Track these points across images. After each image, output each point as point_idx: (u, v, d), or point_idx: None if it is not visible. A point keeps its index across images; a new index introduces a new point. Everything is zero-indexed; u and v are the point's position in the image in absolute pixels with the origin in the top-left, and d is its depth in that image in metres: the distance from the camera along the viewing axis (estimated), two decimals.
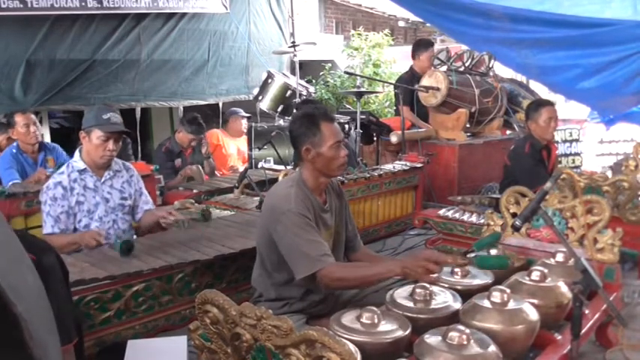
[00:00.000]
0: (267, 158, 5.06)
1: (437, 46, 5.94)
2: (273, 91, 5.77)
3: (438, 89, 4.87)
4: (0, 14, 4.67)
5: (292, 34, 7.13)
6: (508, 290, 1.76)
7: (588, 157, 5.93)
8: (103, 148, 2.65)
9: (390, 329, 1.63)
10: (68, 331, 1.60)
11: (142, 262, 2.26)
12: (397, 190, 4.10)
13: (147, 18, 5.68)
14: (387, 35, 8.57)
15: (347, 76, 7.63)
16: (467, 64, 5.13)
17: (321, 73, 7.96)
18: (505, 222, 2.62)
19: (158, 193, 4.08)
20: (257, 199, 3.45)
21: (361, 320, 1.65)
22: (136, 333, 2.23)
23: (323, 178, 2.19)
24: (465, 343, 1.49)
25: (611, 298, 2.01)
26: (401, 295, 1.89)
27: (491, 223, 2.70)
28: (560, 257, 2.24)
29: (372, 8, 10.20)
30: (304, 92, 5.88)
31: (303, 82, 6.25)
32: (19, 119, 4.03)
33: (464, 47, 5.42)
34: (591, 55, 4.26)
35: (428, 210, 3.92)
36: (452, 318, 1.76)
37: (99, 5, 5.20)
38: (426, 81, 4.96)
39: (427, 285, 1.86)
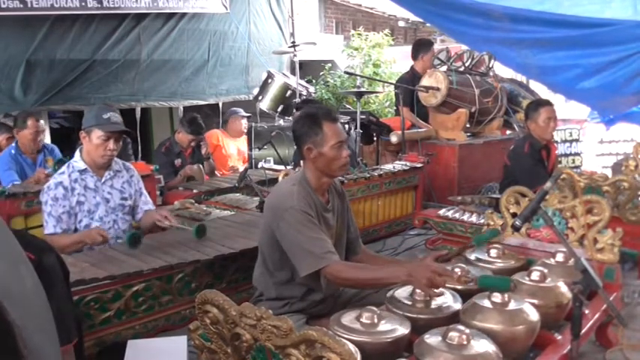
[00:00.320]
0: (267, 158, 5.06)
1: (437, 46, 5.94)
2: (273, 91, 5.78)
3: (438, 89, 4.87)
4: (0, 14, 4.67)
5: (292, 34, 7.13)
6: None
7: (588, 157, 5.93)
8: (103, 147, 2.65)
9: (389, 329, 1.63)
10: (68, 331, 1.60)
11: (142, 262, 2.26)
12: (397, 190, 4.10)
13: (147, 18, 5.68)
14: (387, 35, 8.57)
15: (347, 76, 7.63)
16: (467, 64, 5.13)
17: (321, 73, 7.96)
18: (505, 222, 2.62)
19: (158, 193, 4.08)
20: (257, 199, 3.45)
21: (361, 320, 1.65)
22: (136, 333, 2.23)
23: (325, 178, 2.19)
24: (465, 343, 1.49)
25: (611, 298, 2.01)
26: (401, 295, 1.89)
27: (491, 223, 2.70)
28: (560, 257, 2.24)
29: (372, 8, 10.20)
30: (304, 92, 5.88)
31: (303, 82, 6.25)
32: (30, 124, 4.02)
33: (464, 47, 5.42)
34: (591, 55, 4.25)
35: (428, 210, 3.93)
36: (452, 318, 1.76)
37: (99, 5, 5.20)
38: (426, 81, 4.96)
39: None
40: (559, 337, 1.81)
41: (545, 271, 1.98)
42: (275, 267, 2.16)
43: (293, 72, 6.48)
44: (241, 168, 4.91)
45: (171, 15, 5.88)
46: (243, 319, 1.51)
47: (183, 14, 5.97)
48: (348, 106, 7.09)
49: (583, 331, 1.79)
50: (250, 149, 5.49)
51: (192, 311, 2.10)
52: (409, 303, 1.84)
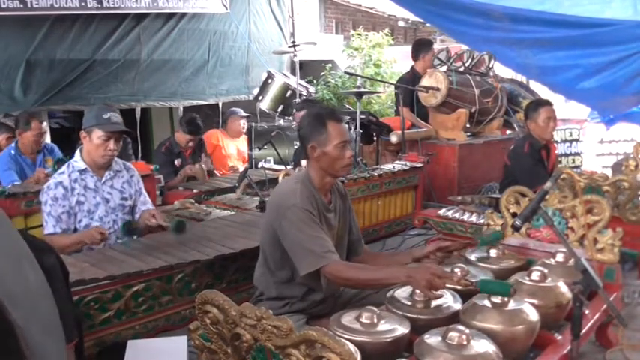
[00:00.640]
0: (267, 158, 5.06)
1: (437, 46, 5.94)
2: (273, 91, 5.78)
3: (438, 89, 4.87)
4: (0, 14, 4.67)
5: (292, 34, 7.13)
6: None
7: (588, 157, 5.93)
8: (103, 147, 2.65)
9: (389, 329, 1.63)
10: (68, 332, 1.60)
11: (142, 262, 2.26)
12: (397, 190, 4.10)
13: (147, 18, 5.68)
14: (387, 35, 8.57)
15: (348, 76, 7.63)
16: (467, 64, 5.13)
17: (322, 73, 7.96)
18: (505, 222, 2.62)
19: (158, 193, 4.08)
20: (257, 199, 3.45)
21: (361, 320, 1.65)
22: (136, 333, 2.23)
23: (328, 177, 2.19)
24: (465, 343, 1.49)
25: (611, 298, 2.01)
26: (401, 295, 1.89)
27: (491, 223, 2.70)
28: (560, 257, 2.24)
29: (372, 8, 10.20)
30: (304, 92, 5.88)
31: (303, 82, 6.26)
32: (34, 125, 4.03)
33: (464, 47, 5.42)
34: (591, 55, 4.25)
35: (428, 210, 3.92)
36: (452, 318, 1.76)
37: (99, 5, 5.20)
38: (426, 81, 4.96)
39: None
40: (559, 337, 1.81)
41: (545, 271, 1.98)
42: (276, 266, 2.16)
43: (293, 72, 6.49)
44: (241, 168, 4.91)
45: (171, 15, 5.88)
46: (243, 319, 1.51)
47: (183, 14, 5.97)
48: (348, 106, 7.09)
49: (583, 331, 1.79)
50: (250, 149, 5.49)
51: (192, 311, 2.10)
52: (409, 303, 1.84)
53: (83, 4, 5.10)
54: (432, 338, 1.54)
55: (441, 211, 3.63)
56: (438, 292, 1.82)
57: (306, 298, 2.18)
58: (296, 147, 5.00)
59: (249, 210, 3.38)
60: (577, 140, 5.85)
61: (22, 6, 4.74)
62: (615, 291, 2.25)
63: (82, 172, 2.69)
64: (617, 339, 2.15)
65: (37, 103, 5.05)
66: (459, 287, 1.90)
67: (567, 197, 2.53)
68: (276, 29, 7.09)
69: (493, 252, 2.33)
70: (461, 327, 1.54)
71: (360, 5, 10.13)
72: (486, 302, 1.72)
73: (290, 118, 5.79)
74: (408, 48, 5.75)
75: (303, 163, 3.68)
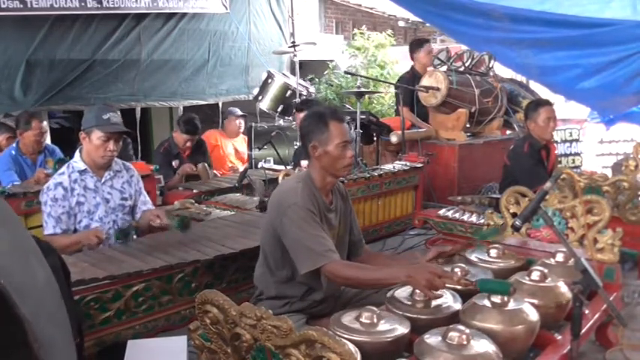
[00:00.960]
0: (267, 158, 5.06)
1: (437, 46, 5.95)
2: (273, 91, 5.78)
3: (438, 89, 4.87)
4: (0, 14, 4.67)
5: (292, 34, 7.13)
6: None
7: (588, 157, 5.93)
8: (103, 148, 2.64)
9: (389, 329, 1.63)
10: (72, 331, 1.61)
11: (142, 262, 2.26)
12: (397, 190, 4.10)
13: (147, 18, 5.68)
14: (389, 35, 8.57)
15: (350, 76, 7.62)
16: (467, 64, 5.13)
17: (325, 73, 7.96)
18: (505, 222, 2.62)
19: (158, 193, 4.08)
20: (257, 198, 3.45)
21: (361, 320, 1.65)
22: (136, 333, 2.23)
23: (330, 177, 2.20)
24: (465, 343, 1.49)
25: (611, 298, 2.01)
26: (401, 295, 1.89)
27: (491, 223, 2.71)
28: (560, 257, 2.24)
29: (372, 8, 10.20)
30: (304, 92, 5.88)
31: (303, 82, 6.25)
32: (35, 125, 4.02)
33: (464, 47, 5.42)
34: (591, 55, 4.25)
35: (428, 210, 3.92)
36: (452, 318, 1.76)
37: (99, 5, 5.20)
38: (426, 81, 4.97)
39: None
40: (559, 337, 1.81)
41: (545, 271, 1.98)
42: (276, 265, 2.16)
43: (293, 72, 6.48)
44: (241, 168, 4.91)
45: (171, 15, 5.88)
46: (243, 319, 1.51)
47: (184, 14, 5.97)
48: (349, 106, 7.09)
49: (583, 331, 1.79)
50: (250, 149, 5.49)
51: (192, 311, 2.10)
52: (409, 303, 1.84)
53: (83, 4, 5.10)
54: (432, 338, 1.54)
55: (441, 211, 3.63)
56: (438, 292, 1.82)
57: (306, 297, 2.18)
58: (296, 147, 5.00)
59: (249, 210, 3.38)
60: (577, 140, 5.85)
61: (22, 6, 4.74)
62: (615, 291, 2.25)
63: (82, 172, 2.69)
64: (617, 339, 2.15)
65: (37, 103, 5.05)
66: (459, 287, 1.90)
67: (567, 197, 2.53)
68: (276, 29, 7.08)
69: (493, 252, 2.33)
70: (461, 327, 1.54)
71: (360, 5, 10.13)
72: (486, 302, 1.72)
73: (290, 118, 5.79)
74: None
75: (304, 163, 3.68)
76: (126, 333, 2.20)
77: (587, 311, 1.99)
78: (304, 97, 5.67)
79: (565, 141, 5.82)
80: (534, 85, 5.93)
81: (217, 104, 6.54)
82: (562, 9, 3.99)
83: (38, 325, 0.52)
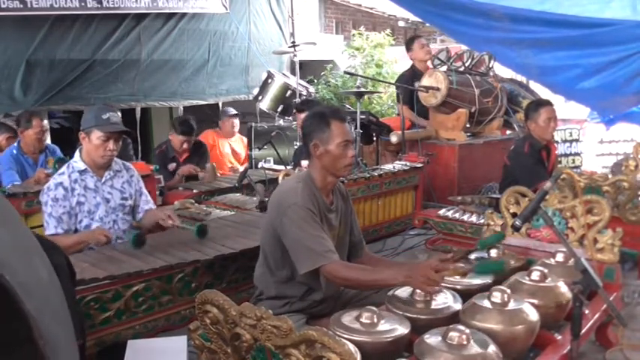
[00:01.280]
0: (267, 158, 5.06)
1: (437, 46, 5.96)
2: (273, 91, 5.78)
3: (438, 89, 4.87)
4: (0, 14, 4.67)
5: (292, 34, 7.13)
6: (508, 290, 1.76)
7: (588, 157, 5.92)
8: (103, 148, 2.64)
9: (389, 329, 1.63)
10: (75, 332, 1.60)
11: (142, 262, 2.26)
12: (397, 190, 4.10)
13: (147, 18, 5.68)
14: (388, 35, 8.57)
15: (349, 76, 7.63)
16: (467, 64, 5.13)
17: (322, 73, 7.96)
18: (505, 222, 2.62)
19: (158, 193, 4.08)
20: (257, 198, 3.45)
21: (361, 320, 1.65)
22: (136, 333, 2.23)
23: (330, 177, 2.19)
24: (465, 343, 1.49)
25: (611, 298, 2.01)
26: (401, 295, 1.90)
27: (491, 223, 2.70)
28: (560, 257, 2.24)
29: (372, 8, 10.19)
30: (304, 92, 5.88)
31: (303, 82, 6.25)
32: (35, 123, 4.03)
33: (464, 47, 5.42)
34: (591, 55, 4.25)
35: (428, 210, 3.93)
36: (452, 318, 1.76)
37: (99, 5, 5.20)
38: (426, 81, 4.97)
39: None
40: (559, 337, 1.81)
41: (545, 271, 1.98)
42: (276, 265, 2.16)
43: (293, 72, 6.48)
44: (241, 168, 4.91)
45: (171, 15, 5.88)
46: (243, 319, 1.51)
47: (184, 14, 5.97)
48: (348, 106, 7.10)
49: (583, 331, 1.79)
50: (250, 149, 5.49)
51: (192, 311, 2.10)
52: (409, 303, 1.84)
53: (83, 4, 5.10)
54: (432, 338, 1.54)
55: (441, 211, 3.63)
56: (438, 288, 1.83)
57: (306, 297, 2.18)
58: (296, 147, 5.00)
59: (249, 210, 3.38)
60: (577, 140, 5.85)
61: (22, 6, 4.74)
62: (615, 291, 2.25)
63: (82, 172, 2.69)
64: (617, 339, 2.15)
65: (37, 103, 5.05)
66: (458, 287, 1.90)
67: (567, 197, 2.53)
68: (276, 29, 7.08)
69: (493, 252, 2.33)
70: (461, 327, 1.54)
71: (360, 5, 10.13)
72: (486, 302, 1.72)
73: (290, 118, 5.79)
74: None
75: (304, 163, 3.68)
76: (126, 333, 2.20)
77: (587, 311, 1.99)
78: (304, 97, 5.67)
79: (565, 141, 5.82)
80: (534, 85, 5.94)
81: (217, 104, 6.54)
82: (562, 9, 4.00)
83: (43, 322, 0.52)
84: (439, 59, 5.14)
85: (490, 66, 5.27)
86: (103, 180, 2.74)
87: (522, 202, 2.58)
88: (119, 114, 2.86)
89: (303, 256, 2.00)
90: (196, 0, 6.00)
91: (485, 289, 1.86)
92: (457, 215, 3.54)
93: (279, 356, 1.43)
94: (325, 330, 1.34)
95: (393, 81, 6.11)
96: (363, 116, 4.85)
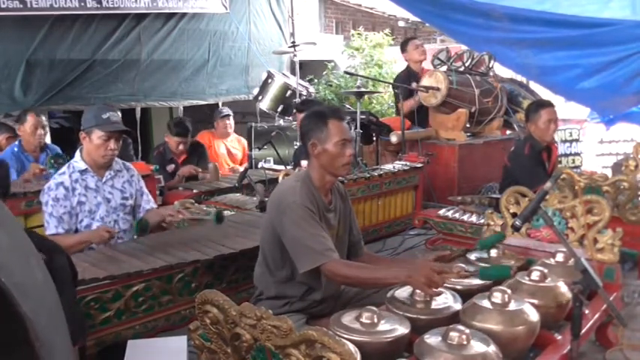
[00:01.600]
0: (267, 158, 5.06)
1: (437, 46, 5.98)
2: (273, 91, 5.78)
3: (438, 89, 4.87)
4: (0, 14, 4.67)
5: (292, 34, 7.13)
6: (508, 290, 1.76)
7: (588, 157, 5.92)
8: (104, 147, 2.65)
9: (389, 329, 1.63)
10: (77, 332, 1.61)
11: (142, 262, 2.26)
12: (397, 190, 4.10)
13: (147, 18, 5.68)
14: (387, 35, 8.57)
15: (349, 76, 7.64)
16: (467, 64, 5.13)
17: (324, 73, 7.96)
18: (505, 222, 2.62)
19: (158, 193, 4.08)
20: (257, 198, 3.45)
21: (361, 320, 1.65)
22: (135, 333, 2.23)
23: (329, 176, 2.19)
24: (465, 343, 1.49)
25: (611, 298, 2.01)
26: (401, 295, 1.89)
27: (491, 223, 2.70)
28: (560, 257, 2.24)
29: (372, 8, 10.19)
30: (304, 92, 5.88)
31: (303, 82, 6.25)
32: (30, 119, 4.05)
33: (464, 47, 5.43)
34: (591, 55, 4.25)
35: (428, 210, 3.93)
36: (452, 318, 1.76)
37: (99, 5, 5.20)
38: (426, 81, 4.97)
39: None
40: (559, 337, 1.81)
41: (545, 271, 1.98)
42: (276, 265, 2.16)
43: (293, 72, 6.48)
44: (241, 168, 4.91)
45: (171, 15, 5.88)
46: (243, 319, 1.51)
47: (184, 14, 5.97)
48: (348, 106, 7.10)
49: (583, 331, 1.79)
50: (250, 149, 5.48)
51: (192, 311, 2.10)
52: (409, 303, 1.84)
53: (83, 4, 5.10)
54: (432, 338, 1.54)
55: (441, 211, 3.63)
56: (438, 290, 1.82)
57: (306, 297, 2.18)
58: (296, 147, 5.00)
59: (249, 210, 3.39)
60: (577, 140, 5.83)
61: (21, 6, 4.74)
62: (615, 291, 2.25)
63: (83, 172, 2.69)
64: (617, 339, 2.15)
65: (37, 103, 5.05)
66: (458, 287, 1.90)
67: (567, 197, 2.53)
68: (276, 29, 7.08)
69: (493, 252, 2.33)
70: (461, 327, 1.54)
71: (360, 5, 10.13)
72: (486, 302, 1.72)
73: (290, 118, 5.79)
74: None
75: (304, 163, 3.68)
76: (126, 333, 2.20)
77: (587, 311, 1.99)
78: (304, 97, 5.67)
79: (565, 141, 5.81)
80: (534, 85, 5.94)
81: (217, 104, 6.54)
82: (561, 9, 4.00)
83: (39, 324, 0.52)
84: (439, 59, 5.15)
85: (490, 66, 5.27)
86: (104, 180, 2.74)
87: (522, 202, 2.58)
88: (119, 114, 2.86)
89: (303, 255, 2.00)
90: (196, 0, 6.00)
91: (485, 289, 1.86)
92: (457, 215, 3.54)
93: (279, 356, 1.43)
94: (325, 330, 1.34)
95: (392, 80, 6.14)
96: (363, 116, 4.85)
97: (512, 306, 1.71)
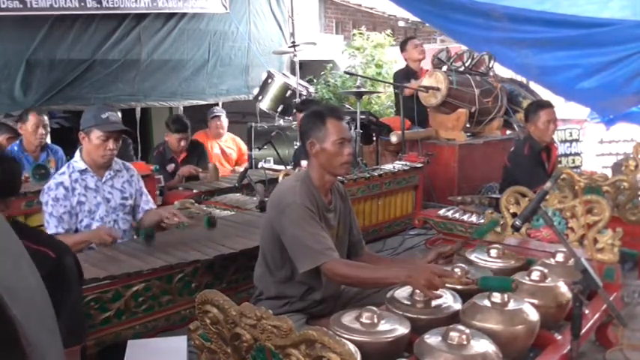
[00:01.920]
0: (267, 158, 5.06)
1: (437, 46, 5.99)
2: (273, 91, 5.78)
3: (438, 89, 4.87)
4: (0, 14, 4.67)
5: (292, 34, 7.13)
6: None
7: (588, 157, 5.92)
8: (103, 147, 2.64)
9: (389, 329, 1.63)
10: (81, 332, 1.62)
11: (142, 262, 2.26)
12: (397, 190, 4.10)
13: (147, 18, 5.68)
14: (388, 35, 8.58)
15: (348, 76, 7.64)
16: (467, 64, 5.13)
17: (322, 73, 7.96)
18: (505, 222, 2.62)
19: (158, 193, 4.08)
20: (257, 199, 3.45)
21: (361, 320, 1.65)
22: (135, 333, 2.23)
23: (328, 176, 2.19)
24: (465, 343, 1.49)
25: (611, 298, 2.01)
26: (401, 295, 1.89)
27: None
28: (560, 257, 2.24)
29: (372, 8, 10.19)
30: (304, 92, 5.88)
31: (303, 82, 6.25)
32: (32, 118, 4.04)
33: (464, 47, 5.43)
34: (591, 55, 4.25)
35: (428, 210, 3.92)
36: (452, 318, 1.76)
37: (99, 5, 5.20)
38: (426, 81, 4.97)
39: None
40: (559, 337, 1.81)
41: (545, 271, 1.98)
42: (276, 265, 2.16)
43: (293, 72, 6.48)
44: (240, 169, 4.90)
45: (171, 15, 5.87)
46: (243, 319, 1.51)
47: (184, 14, 5.96)
48: (348, 106, 7.10)
49: (583, 331, 1.79)
50: (250, 149, 5.48)
51: (192, 311, 2.10)
52: (409, 303, 1.84)
53: (83, 4, 5.10)
54: (432, 338, 1.54)
55: (441, 211, 3.63)
56: (438, 292, 1.82)
57: (306, 297, 2.18)
58: (296, 147, 5.00)
59: (249, 210, 3.38)
60: (577, 140, 5.84)
61: (21, 6, 4.74)
62: (615, 291, 2.25)
63: (83, 172, 2.69)
64: (617, 339, 2.15)
65: (37, 103, 5.04)
66: (459, 287, 1.90)
67: (567, 197, 2.53)
68: (276, 29, 7.08)
69: (493, 252, 2.33)
70: (461, 327, 1.54)
71: (360, 5, 10.13)
72: (486, 302, 1.72)
73: (290, 118, 5.79)
74: None
75: (304, 163, 3.68)
76: (126, 333, 2.20)
77: (587, 311, 1.99)
78: (304, 97, 5.67)
79: (565, 141, 5.82)
80: (534, 85, 5.94)
81: (217, 104, 6.54)
82: (561, 9, 4.00)
83: (30, 328, 0.52)
84: (439, 59, 5.15)
85: (490, 66, 5.27)
86: (104, 180, 2.74)
87: (522, 202, 2.58)
88: (119, 114, 2.86)
89: (303, 255, 2.00)
90: (196, 0, 6.00)
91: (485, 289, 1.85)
92: (457, 215, 3.54)
93: (279, 356, 1.43)
94: (325, 330, 1.34)
95: (391, 81, 6.17)
96: (363, 116, 4.85)
97: (512, 305, 1.71)
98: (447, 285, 1.88)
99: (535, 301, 1.81)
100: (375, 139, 5.05)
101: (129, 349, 1.91)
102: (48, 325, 0.60)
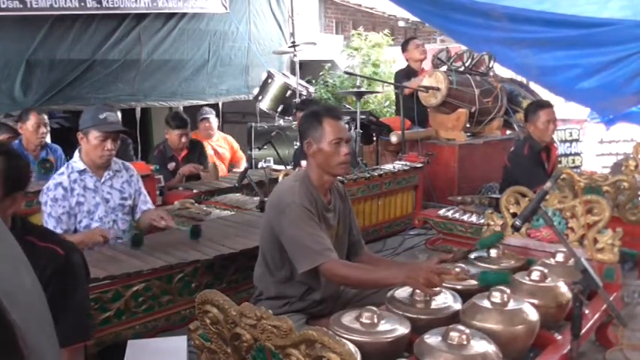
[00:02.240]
0: (267, 158, 5.05)
1: (437, 46, 6.00)
2: (273, 91, 5.78)
3: (438, 89, 4.87)
4: (0, 14, 4.67)
5: (292, 34, 7.13)
6: (508, 290, 1.76)
7: (588, 157, 5.92)
8: (101, 148, 2.64)
9: (389, 329, 1.63)
10: (87, 329, 1.63)
11: (142, 262, 2.26)
12: (397, 190, 4.10)
13: (147, 18, 5.68)
14: (386, 35, 8.58)
15: (347, 76, 7.64)
16: (467, 64, 5.14)
17: (320, 73, 7.96)
18: (505, 222, 2.62)
19: (158, 193, 4.08)
20: (257, 198, 3.45)
21: (361, 320, 1.65)
22: (135, 333, 2.23)
23: (326, 176, 2.19)
24: (465, 343, 1.49)
25: (611, 298, 2.01)
26: (401, 295, 1.89)
27: (491, 223, 2.70)
28: (560, 257, 2.24)
29: (372, 8, 10.19)
30: (304, 92, 5.88)
31: (303, 82, 6.25)
32: (32, 117, 4.05)
33: (464, 47, 5.43)
34: (591, 55, 4.25)
35: (428, 210, 3.93)
36: (452, 318, 1.76)
37: (99, 5, 5.20)
38: (426, 81, 4.97)
39: None
40: (559, 337, 1.81)
41: (545, 271, 1.98)
42: (275, 265, 2.16)
43: (293, 72, 6.48)
44: (241, 168, 4.90)
45: (171, 15, 5.88)
46: (243, 319, 1.51)
47: (184, 14, 5.96)
48: (348, 106, 7.09)
49: (583, 331, 1.79)
50: (250, 149, 5.48)
51: (192, 311, 2.10)
52: (409, 303, 1.84)
53: (83, 4, 5.10)
54: (432, 338, 1.54)
55: (441, 211, 3.63)
56: (437, 290, 1.83)
57: (306, 297, 2.18)
58: (296, 147, 5.00)
59: (249, 210, 3.38)
60: (577, 140, 5.84)
61: (21, 6, 4.73)
62: (615, 291, 2.25)
63: (81, 172, 2.68)
64: (617, 339, 2.15)
65: (37, 103, 5.04)
66: (459, 287, 1.90)
67: (567, 197, 2.53)
68: (276, 29, 7.08)
69: (493, 252, 2.33)
70: (461, 327, 1.54)
71: (360, 5, 10.12)
72: (486, 302, 1.72)
73: (290, 118, 5.79)
74: None
75: (304, 163, 3.69)
76: (126, 333, 2.20)
77: (587, 311, 1.99)
78: (304, 97, 5.67)
79: (565, 141, 5.82)
80: (534, 85, 5.94)
81: (217, 104, 6.54)
82: (560, 9, 4.00)
83: (28, 332, 0.52)
84: (439, 59, 5.15)
85: (490, 66, 5.27)
86: (103, 180, 2.73)
87: (522, 202, 2.58)
88: (119, 114, 2.86)
89: (302, 255, 2.00)
90: (196, 0, 6.00)
91: (485, 288, 1.86)
92: (457, 215, 3.54)
93: (279, 356, 1.43)
94: (325, 330, 1.34)
95: (389, 81, 6.18)
96: (363, 116, 4.85)
97: (512, 305, 1.71)
98: (447, 285, 1.89)
99: (535, 301, 1.81)
100: (375, 139, 5.06)
101: (129, 349, 1.91)
102: (46, 329, 0.60)
